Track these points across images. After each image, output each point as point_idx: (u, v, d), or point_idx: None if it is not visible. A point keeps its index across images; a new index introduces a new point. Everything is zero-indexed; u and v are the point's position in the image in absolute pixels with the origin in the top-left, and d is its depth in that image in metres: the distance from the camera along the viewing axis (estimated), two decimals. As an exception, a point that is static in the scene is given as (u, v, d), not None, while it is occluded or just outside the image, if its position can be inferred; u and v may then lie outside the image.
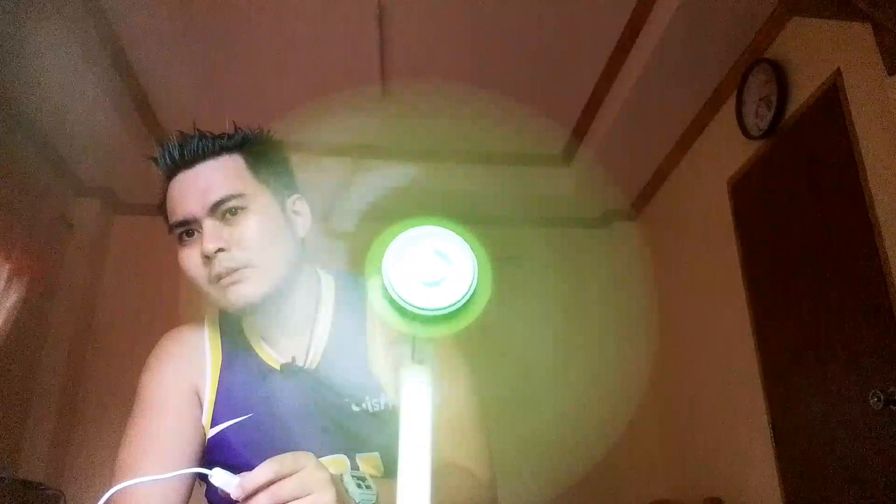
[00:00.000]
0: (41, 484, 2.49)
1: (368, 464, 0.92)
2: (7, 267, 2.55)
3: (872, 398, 1.74)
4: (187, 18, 2.45)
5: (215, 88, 2.77)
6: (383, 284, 0.44)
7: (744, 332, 2.47)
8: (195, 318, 1.04)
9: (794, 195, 2.21)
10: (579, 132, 3.15)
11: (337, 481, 0.69)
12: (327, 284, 1.02)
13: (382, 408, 0.92)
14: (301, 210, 1.00)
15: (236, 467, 0.90)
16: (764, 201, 2.40)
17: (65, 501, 2.53)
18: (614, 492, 3.16)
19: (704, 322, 2.86)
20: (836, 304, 2.00)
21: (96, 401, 2.95)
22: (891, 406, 1.71)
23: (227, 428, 0.93)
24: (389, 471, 0.92)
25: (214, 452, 0.93)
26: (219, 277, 0.88)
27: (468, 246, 0.47)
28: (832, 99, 2.01)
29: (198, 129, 0.94)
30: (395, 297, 0.43)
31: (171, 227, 0.92)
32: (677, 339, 3.09)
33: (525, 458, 3.04)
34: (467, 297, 0.44)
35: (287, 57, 2.66)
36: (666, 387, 3.22)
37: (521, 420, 3.05)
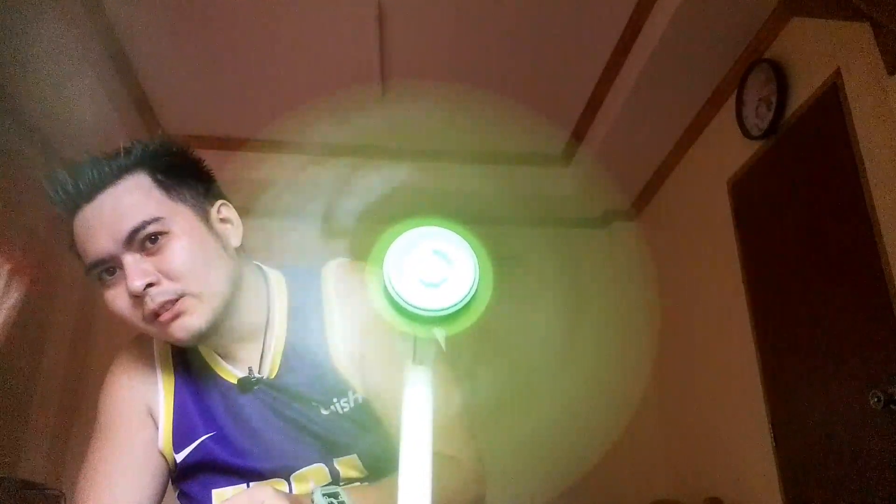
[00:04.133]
0: (42, 484, 2.50)
1: (348, 466, 0.89)
2: (7, 267, 2.55)
3: (872, 398, 1.74)
4: (187, 18, 2.45)
5: (215, 88, 2.76)
6: (384, 285, 0.44)
7: (744, 332, 2.47)
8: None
9: (794, 195, 2.21)
10: (579, 132, 3.15)
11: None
12: (277, 283, 0.95)
13: (352, 406, 0.88)
14: (229, 216, 0.91)
15: (216, 481, 0.89)
16: (764, 201, 2.40)
17: (65, 502, 2.53)
18: (614, 492, 3.16)
19: (704, 322, 2.85)
20: (836, 303, 2.00)
21: (96, 401, 2.95)
22: (891, 406, 1.71)
23: (195, 448, 0.89)
24: (371, 469, 0.89)
25: (190, 471, 0.91)
26: (155, 315, 0.80)
27: (469, 246, 0.47)
28: (832, 99, 2.01)
29: (89, 155, 0.84)
30: (395, 298, 0.43)
31: (87, 270, 0.83)
32: (677, 338, 3.09)
33: (525, 457, 3.04)
34: (468, 297, 0.44)
35: (287, 57, 2.66)
36: (666, 387, 3.22)
37: (520, 420, 3.05)
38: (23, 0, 2.13)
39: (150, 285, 0.79)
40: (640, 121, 2.84)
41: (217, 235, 0.87)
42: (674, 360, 3.12)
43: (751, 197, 2.48)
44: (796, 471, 2.17)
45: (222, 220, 0.90)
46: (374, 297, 0.45)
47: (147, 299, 0.80)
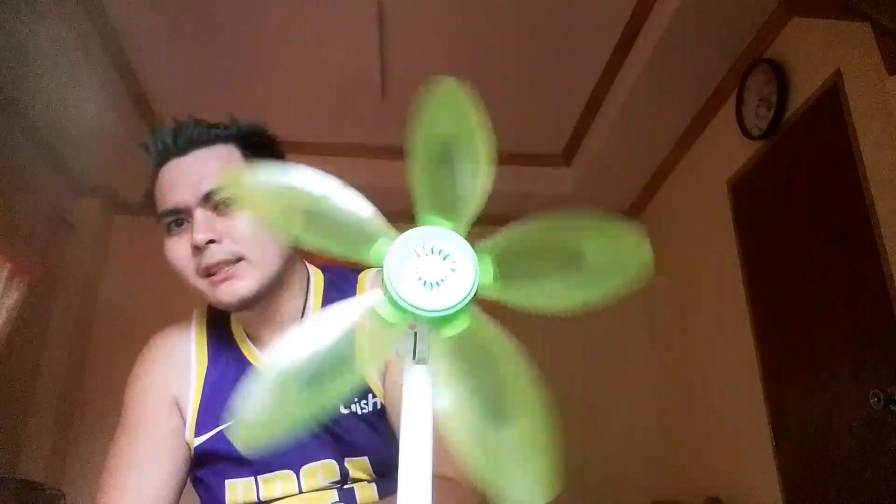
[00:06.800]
0: (41, 484, 2.50)
1: (358, 467, 0.90)
2: (7, 267, 2.55)
3: (872, 398, 1.74)
4: (187, 18, 2.45)
5: (215, 88, 2.76)
6: (385, 285, 0.44)
7: (744, 332, 2.47)
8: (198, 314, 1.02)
9: (794, 195, 2.21)
10: (579, 132, 3.15)
11: None
12: (316, 280, 0.99)
13: (370, 410, 0.90)
14: None
15: (228, 472, 0.89)
16: (764, 201, 2.40)
17: (65, 502, 2.53)
18: (614, 492, 3.16)
19: (704, 321, 2.86)
20: (836, 303, 2.00)
21: (96, 401, 2.95)
22: (891, 406, 1.71)
23: (213, 436, 0.91)
24: (379, 473, 0.90)
25: (205, 459, 0.92)
26: (208, 270, 0.85)
27: (469, 246, 0.47)
28: (832, 99, 2.01)
29: (192, 117, 0.92)
30: (396, 297, 0.43)
31: (160, 217, 0.89)
32: (677, 338, 3.09)
33: (525, 458, 3.04)
34: (468, 298, 0.44)
35: (287, 57, 2.66)
36: (666, 387, 3.22)
37: (521, 420, 3.05)
38: (24, 0, 2.13)
39: (212, 241, 0.84)
40: (641, 120, 2.84)
41: None
42: (674, 360, 3.12)
43: (751, 197, 2.48)
44: (796, 471, 2.17)
45: None
46: (373, 298, 0.46)
47: (206, 254, 0.84)
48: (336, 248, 0.48)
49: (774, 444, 2.26)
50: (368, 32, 2.50)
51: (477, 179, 0.48)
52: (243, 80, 2.75)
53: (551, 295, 0.47)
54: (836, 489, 1.97)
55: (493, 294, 0.45)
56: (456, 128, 0.50)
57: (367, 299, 0.46)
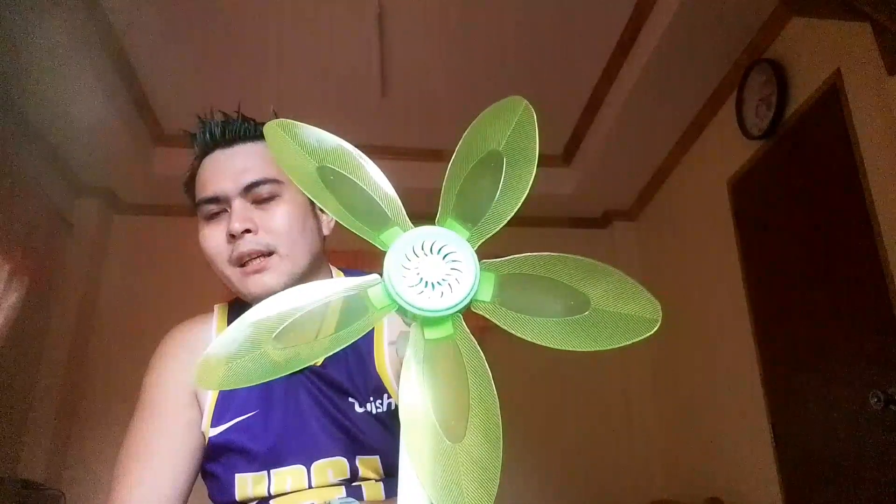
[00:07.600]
0: (41, 484, 2.50)
1: (368, 466, 0.91)
2: (7, 267, 2.55)
3: (872, 398, 1.74)
4: (187, 18, 2.45)
5: (215, 88, 2.76)
6: (385, 285, 0.44)
7: (744, 333, 2.47)
8: (200, 313, 1.02)
9: (794, 195, 2.21)
10: (579, 132, 3.15)
11: None
12: None
13: (385, 410, 0.91)
14: None
15: (239, 465, 0.91)
16: (764, 201, 2.40)
17: (65, 501, 2.53)
18: (614, 492, 3.16)
19: (704, 322, 2.85)
20: (835, 303, 2.00)
21: (96, 401, 2.95)
22: (891, 406, 1.71)
23: (230, 427, 0.91)
24: (389, 473, 0.91)
25: (218, 451, 0.92)
26: (240, 259, 0.88)
27: (469, 247, 0.47)
28: (832, 99, 2.01)
29: (240, 112, 0.96)
30: (396, 298, 0.43)
31: (198, 204, 0.92)
32: (677, 338, 3.09)
33: (524, 457, 3.04)
34: (459, 306, 0.43)
35: (287, 57, 2.66)
36: (666, 387, 3.22)
37: (519, 420, 3.05)
38: (23, 1, 2.13)
39: (247, 231, 0.88)
40: (641, 121, 2.84)
41: (316, 218, 0.97)
42: (674, 360, 3.11)
43: (751, 197, 2.48)
44: (796, 471, 2.17)
45: (322, 210, 0.98)
46: (368, 279, 0.46)
47: (240, 242, 0.88)
48: (350, 221, 0.48)
49: (774, 444, 2.26)
50: (368, 32, 2.50)
51: (507, 204, 0.49)
52: (243, 80, 2.75)
53: (546, 331, 0.45)
54: (836, 489, 1.97)
55: (487, 312, 0.45)
56: (508, 147, 0.51)
57: (360, 280, 0.46)
